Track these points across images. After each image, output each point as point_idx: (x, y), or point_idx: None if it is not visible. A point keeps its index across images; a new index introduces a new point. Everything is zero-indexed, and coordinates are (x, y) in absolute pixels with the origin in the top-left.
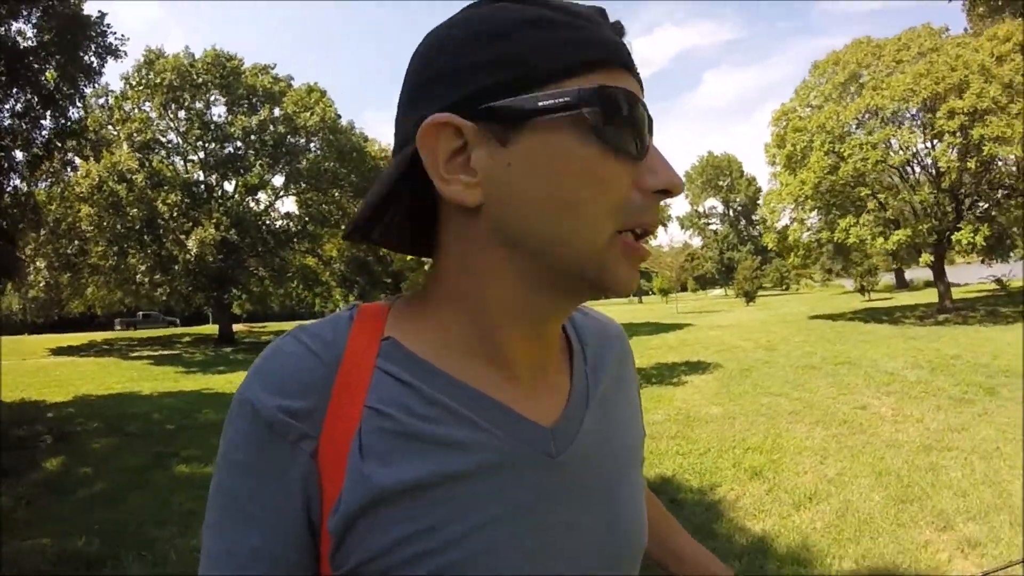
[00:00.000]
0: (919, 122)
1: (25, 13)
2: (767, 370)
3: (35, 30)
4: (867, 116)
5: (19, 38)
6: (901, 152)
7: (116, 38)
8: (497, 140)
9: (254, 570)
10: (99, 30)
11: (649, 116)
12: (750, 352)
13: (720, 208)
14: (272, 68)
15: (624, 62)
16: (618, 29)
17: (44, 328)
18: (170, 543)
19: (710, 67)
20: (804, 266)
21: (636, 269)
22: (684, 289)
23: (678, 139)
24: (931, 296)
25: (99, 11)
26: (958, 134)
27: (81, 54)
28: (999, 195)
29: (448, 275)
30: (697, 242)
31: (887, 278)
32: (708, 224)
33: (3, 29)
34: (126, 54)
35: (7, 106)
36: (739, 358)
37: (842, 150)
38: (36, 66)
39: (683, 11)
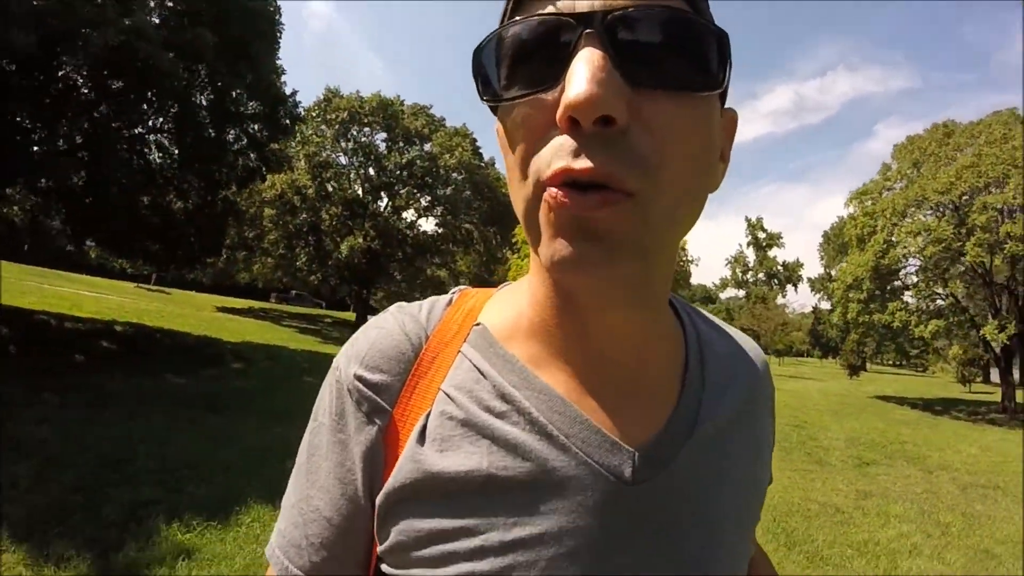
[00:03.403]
0: (958, 215)
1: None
2: None
3: (248, 96)
4: (914, 205)
5: (232, 104)
6: (935, 244)
7: (303, 109)
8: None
9: (311, 528)
10: (292, 103)
11: (570, 20)
12: None
13: None
14: (429, 108)
15: None
16: None
17: (210, 289)
18: (285, 391)
19: (882, 118)
20: (862, 344)
21: (566, 237)
22: (811, 355)
23: (846, 190)
24: None
25: (293, 89)
26: (989, 230)
27: (280, 118)
28: None
29: (532, 262)
30: (827, 306)
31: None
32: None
33: (221, 84)
34: (306, 121)
35: (225, 137)
36: None
37: (895, 236)
38: (248, 122)
39: (859, 55)
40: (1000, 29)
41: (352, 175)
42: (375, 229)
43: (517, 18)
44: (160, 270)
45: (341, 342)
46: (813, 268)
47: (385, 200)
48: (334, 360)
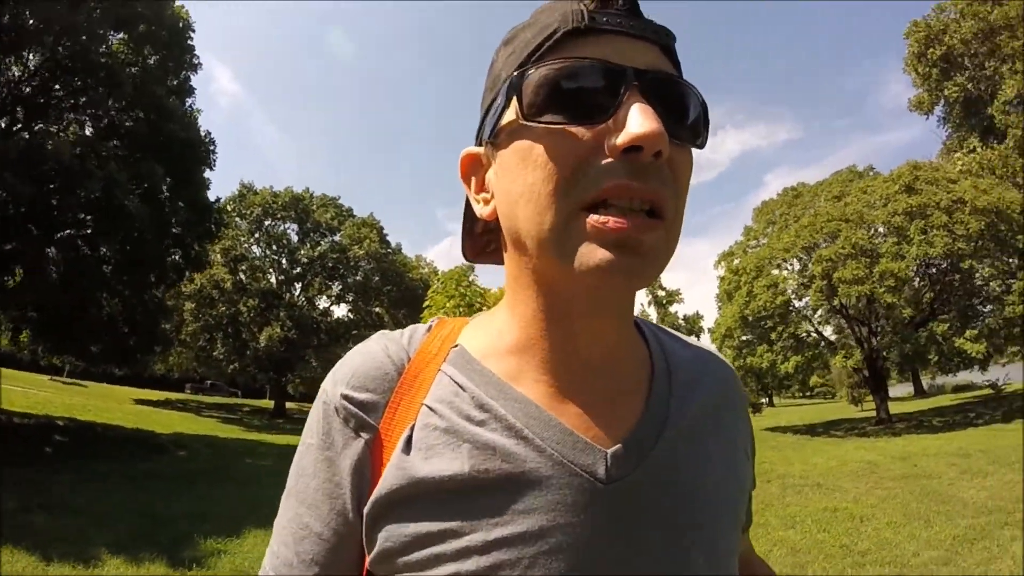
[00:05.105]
0: (799, 266)
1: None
2: None
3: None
4: (767, 260)
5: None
6: (787, 293)
7: (224, 215)
8: (494, 157)
9: (302, 546)
10: (217, 210)
11: (624, 71)
12: None
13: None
14: (337, 199)
15: (584, 26)
16: None
17: (122, 380)
18: (235, 470)
19: (771, 168)
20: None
21: (608, 248)
22: None
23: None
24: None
25: (217, 196)
26: (823, 277)
27: (207, 224)
28: (879, 325)
29: (506, 284)
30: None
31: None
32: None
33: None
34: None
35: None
36: None
37: (755, 289)
38: (178, 229)
39: (744, 113)
40: (873, 75)
41: (266, 266)
42: (291, 319)
43: (565, 56)
44: (94, 367)
45: (263, 430)
46: (714, 318)
47: (298, 289)
48: (321, 386)
